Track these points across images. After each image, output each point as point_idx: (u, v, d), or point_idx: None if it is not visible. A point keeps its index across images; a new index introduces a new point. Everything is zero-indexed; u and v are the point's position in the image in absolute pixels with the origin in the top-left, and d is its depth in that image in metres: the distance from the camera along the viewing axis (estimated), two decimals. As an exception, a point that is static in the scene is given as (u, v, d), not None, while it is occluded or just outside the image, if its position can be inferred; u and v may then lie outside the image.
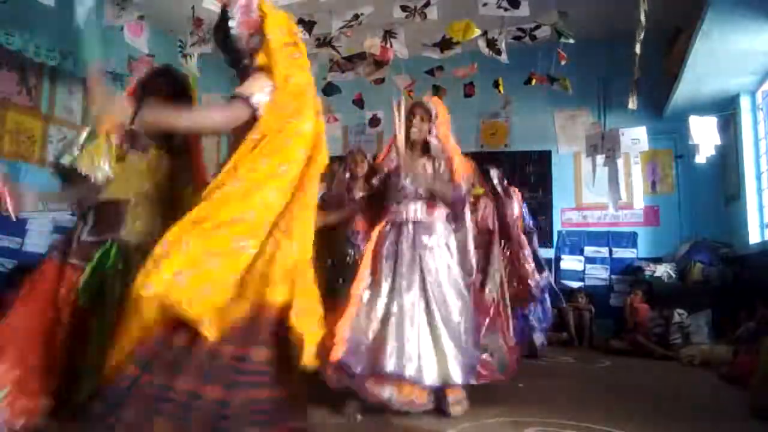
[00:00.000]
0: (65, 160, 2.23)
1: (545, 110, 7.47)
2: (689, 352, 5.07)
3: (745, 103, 6.27)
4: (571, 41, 5.15)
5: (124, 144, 2.26)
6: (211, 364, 1.63)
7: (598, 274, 7.19)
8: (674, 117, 6.75)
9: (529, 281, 4.52)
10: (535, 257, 4.83)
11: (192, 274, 1.67)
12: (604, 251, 7.24)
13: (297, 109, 1.94)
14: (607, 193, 5.86)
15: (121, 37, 5.30)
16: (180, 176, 2.36)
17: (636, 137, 5.45)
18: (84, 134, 2.25)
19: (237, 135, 1.88)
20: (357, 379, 2.56)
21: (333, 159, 2.45)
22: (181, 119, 1.97)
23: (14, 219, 2.26)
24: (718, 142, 5.84)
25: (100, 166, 2.15)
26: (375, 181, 3.05)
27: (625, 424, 2.68)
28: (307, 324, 1.72)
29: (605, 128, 6.42)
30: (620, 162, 5.56)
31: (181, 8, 5.58)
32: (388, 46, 5.44)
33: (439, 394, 2.75)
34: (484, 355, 3.13)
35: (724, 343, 4.98)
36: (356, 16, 5.10)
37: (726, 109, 6.39)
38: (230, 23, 1.91)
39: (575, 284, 7.11)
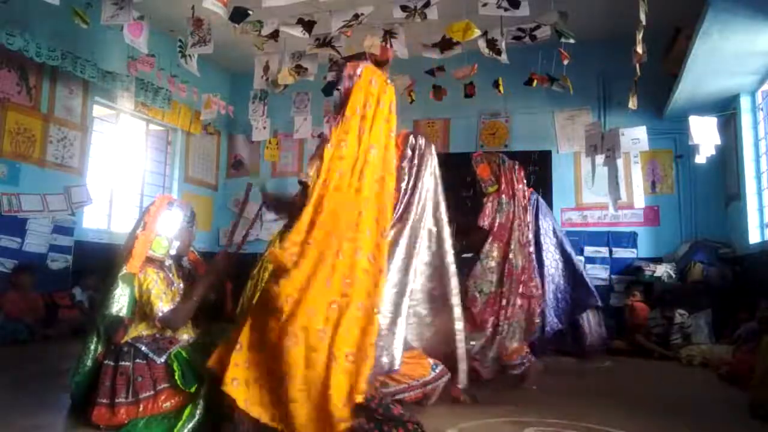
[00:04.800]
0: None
1: (545, 110, 7.49)
2: (689, 352, 5.07)
3: (745, 103, 6.27)
4: (571, 41, 5.15)
5: None
6: None
7: (598, 274, 7.18)
8: (674, 117, 6.75)
9: None
10: None
11: None
12: (604, 251, 7.24)
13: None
14: (607, 193, 5.86)
15: (120, 37, 5.30)
16: None
17: (636, 137, 5.44)
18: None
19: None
20: None
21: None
22: None
23: None
24: (718, 142, 5.84)
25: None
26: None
27: (625, 424, 2.68)
28: None
29: (605, 128, 6.42)
30: (620, 162, 5.56)
31: (181, 8, 5.58)
32: (388, 46, 5.44)
33: None
34: None
35: (724, 343, 4.98)
36: (356, 16, 5.10)
37: (726, 109, 6.40)
38: (335, 93, 2.29)
39: (575, 284, 7.10)
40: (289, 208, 2.56)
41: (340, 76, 2.28)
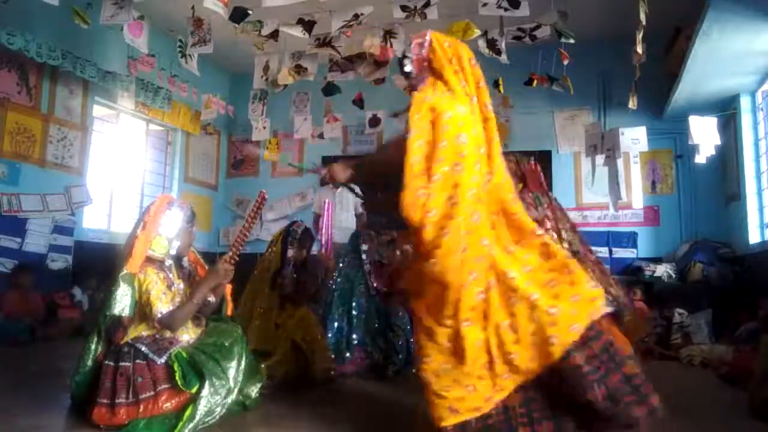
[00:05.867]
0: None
1: (545, 110, 7.49)
2: (689, 352, 5.06)
3: (745, 103, 6.27)
4: (571, 41, 5.15)
5: None
6: None
7: (598, 274, 7.17)
8: (674, 117, 6.75)
9: None
10: None
11: None
12: (604, 251, 7.23)
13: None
14: (607, 193, 5.86)
15: (120, 37, 5.31)
16: None
17: (636, 137, 5.46)
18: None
19: None
20: None
21: (333, 159, 2.47)
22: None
23: None
24: (718, 142, 5.84)
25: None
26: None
27: (625, 424, 2.67)
28: None
29: (605, 128, 6.42)
30: (620, 162, 5.56)
31: (181, 8, 5.58)
32: (388, 46, 5.44)
33: None
34: None
35: (724, 343, 4.98)
36: (356, 16, 5.10)
37: (726, 109, 6.40)
38: (405, 62, 2.19)
39: (575, 284, 7.10)
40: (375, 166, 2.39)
41: (405, 53, 2.21)
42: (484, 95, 2.16)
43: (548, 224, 3.68)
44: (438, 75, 2.12)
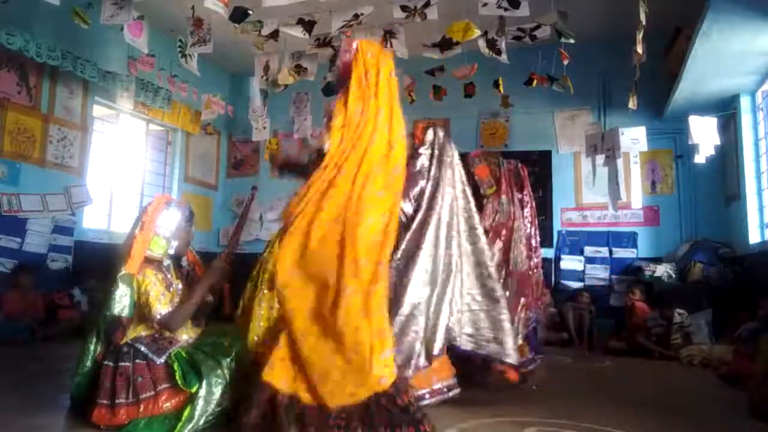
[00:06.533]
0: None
1: (545, 110, 7.49)
2: (689, 352, 5.07)
3: (745, 103, 6.27)
4: (571, 41, 5.15)
5: None
6: None
7: (598, 274, 7.19)
8: (674, 117, 6.75)
9: None
10: None
11: None
12: (604, 251, 7.24)
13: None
14: (606, 193, 5.86)
15: (120, 37, 5.31)
16: None
17: (636, 137, 5.45)
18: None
19: None
20: None
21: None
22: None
23: None
24: (718, 142, 5.84)
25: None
26: None
27: (625, 424, 2.68)
28: None
29: (605, 128, 6.43)
30: (620, 162, 5.56)
31: (181, 8, 5.58)
32: (388, 46, 5.44)
33: None
34: None
35: (724, 343, 4.99)
36: (356, 16, 5.10)
37: (726, 109, 6.40)
38: (334, 69, 2.40)
39: (575, 284, 7.11)
40: (304, 171, 2.59)
41: (337, 53, 2.37)
42: (397, 115, 2.28)
43: (503, 233, 3.74)
44: (350, 85, 2.25)
